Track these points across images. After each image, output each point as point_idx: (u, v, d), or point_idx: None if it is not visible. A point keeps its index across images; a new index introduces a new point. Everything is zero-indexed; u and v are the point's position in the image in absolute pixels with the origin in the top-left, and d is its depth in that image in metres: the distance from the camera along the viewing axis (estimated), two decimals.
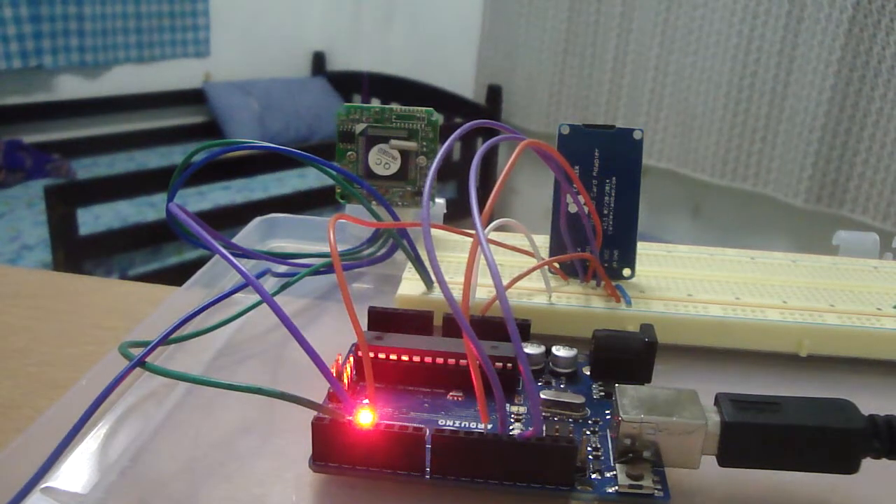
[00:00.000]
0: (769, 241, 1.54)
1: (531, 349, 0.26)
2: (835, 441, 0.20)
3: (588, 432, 0.23)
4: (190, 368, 0.27)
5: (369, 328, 0.27)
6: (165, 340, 0.24)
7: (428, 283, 0.31)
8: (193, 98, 2.06)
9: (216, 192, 1.67)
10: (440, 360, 0.24)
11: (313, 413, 0.21)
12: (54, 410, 0.23)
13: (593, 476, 0.21)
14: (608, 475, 0.21)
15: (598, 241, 0.30)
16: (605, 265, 0.31)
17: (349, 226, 0.35)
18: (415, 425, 0.21)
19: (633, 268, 0.31)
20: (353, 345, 0.26)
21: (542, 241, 0.31)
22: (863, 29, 1.31)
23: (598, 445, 0.22)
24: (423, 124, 0.33)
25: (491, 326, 0.26)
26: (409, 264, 0.31)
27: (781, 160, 1.45)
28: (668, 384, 0.22)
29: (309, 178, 1.79)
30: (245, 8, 2.14)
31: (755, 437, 0.20)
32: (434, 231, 0.32)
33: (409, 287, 0.31)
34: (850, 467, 0.21)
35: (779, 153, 1.45)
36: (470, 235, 0.30)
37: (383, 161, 0.33)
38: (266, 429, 0.24)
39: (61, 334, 0.34)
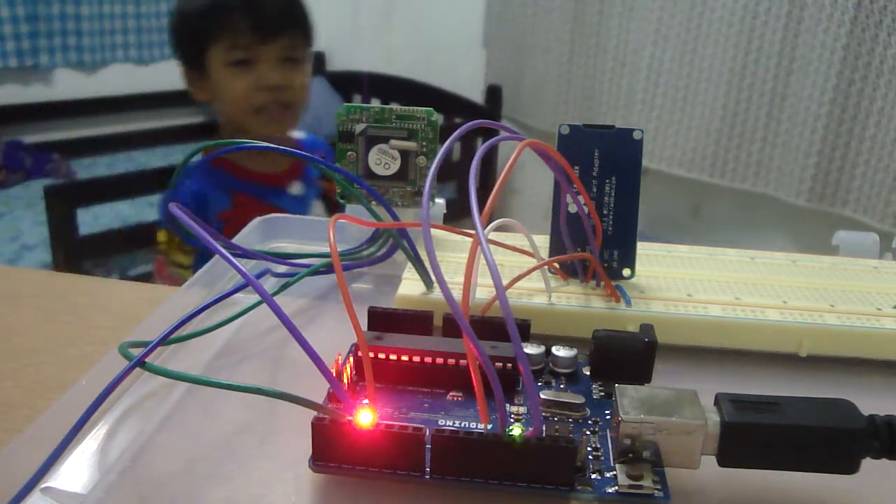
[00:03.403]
0: (769, 241, 1.54)
1: (531, 349, 0.26)
2: (835, 441, 0.20)
3: (588, 432, 0.23)
4: (190, 368, 0.27)
5: (369, 328, 0.27)
6: (165, 340, 0.24)
7: (428, 283, 0.31)
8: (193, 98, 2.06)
9: None
10: (440, 360, 0.24)
11: (313, 413, 0.21)
12: (54, 410, 0.23)
13: (593, 476, 0.21)
14: (608, 475, 0.21)
15: (598, 241, 0.30)
16: (605, 265, 0.31)
17: (349, 226, 0.35)
18: (415, 425, 0.21)
19: (633, 268, 0.31)
20: (353, 345, 0.26)
21: (542, 241, 0.31)
22: (864, 29, 1.31)
23: (598, 445, 0.22)
24: (423, 124, 0.33)
25: (491, 326, 0.26)
26: (409, 264, 0.31)
27: (783, 160, 1.45)
28: (668, 384, 0.22)
29: None
30: None
31: (755, 437, 0.20)
32: (434, 231, 0.32)
33: (409, 287, 0.31)
34: (850, 467, 0.21)
35: (779, 152, 1.45)
36: (470, 235, 0.30)
37: (383, 161, 0.33)
38: (266, 429, 0.24)
39: (61, 334, 0.34)
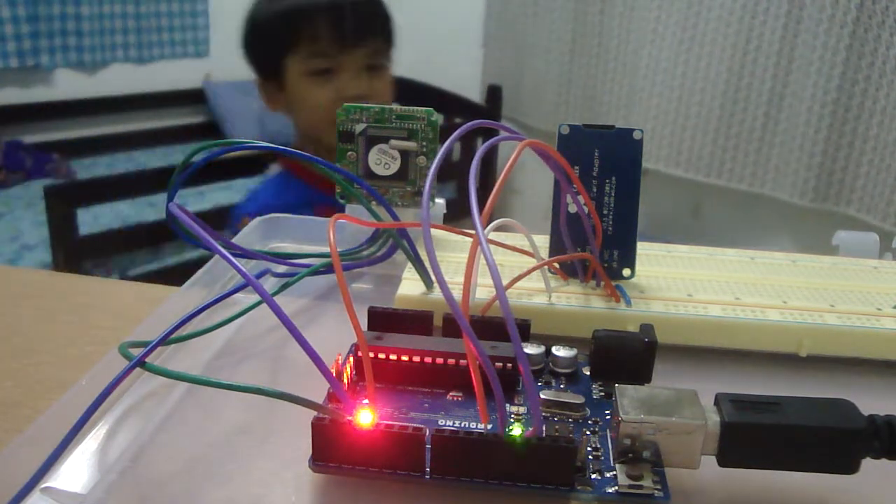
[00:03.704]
0: (769, 241, 1.54)
1: (531, 349, 0.26)
2: (835, 441, 0.20)
3: (588, 432, 0.23)
4: (190, 368, 0.27)
5: (369, 328, 0.27)
6: (165, 340, 0.24)
7: (428, 283, 0.31)
8: (193, 98, 2.06)
9: (216, 192, 1.67)
10: (440, 360, 0.24)
11: (313, 413, 0.21)
12: (54, 410, 0.23)
13: (593, 476, 0.21)
14: (608, 475, 0.21)
15: (598, 241, 0.30)
16: (605, 265, 0.31)
17: (349, 226, 0.35)
18: (415, 425, 0.21)
19: (633, 268, 0.31)
20: (353, 345, 0.26)
21: (542, 241, 0.31)
22: (867, 30, 1.31)
23: (598, 445, 0.22)
24: (423, 124, 0.33)
25: (491, 326, 0.26)
26: (409, 264, 0.31)
27: (785, 159, 1.45)
28: (668, 384, 0.22)
29: None
30: (245, 8, 2.13)
31: (755, 437, 0.20)
32: (434, 231, 0.32)
33: (409, 287, 0.31)
34: (849, 467, 0.21)
35: (777, 152, 1.45)
36: (470, 235, 0.30)
37: (383, 161, 0.33)
38: (266, 429, 0.24)
39: (61, 334, 0.34)
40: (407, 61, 2.05)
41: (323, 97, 0.79)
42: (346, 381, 0.24)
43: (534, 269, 0.29)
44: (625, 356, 0.25)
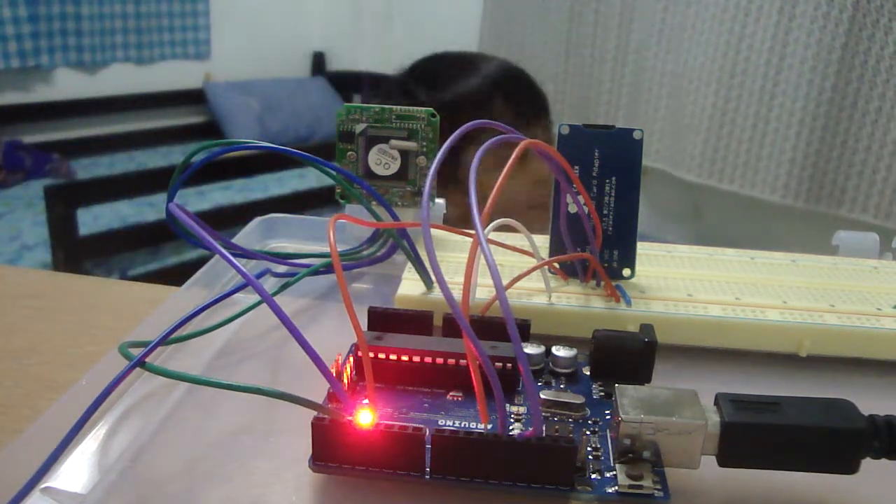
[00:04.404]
0: (769, 241, 1.54)
1: (531, 349, 0.26)
2: (835, 441, 0.20)
3: (588, 432, 0.23)
4: (190, 368, 0.27)
5: (369, 328, 0.27)
6: (165, 340, 0.24)
7: (428, 283, 0.31)
8: (193, 98, 2.06)
9: (216, 192, 1.67)
10: (440, 360, 0.24)
11: (313, 413, 0.21)
12: (54, 410, 0.23)
13: (593, 476, 0.21)
14: (608, 475, 0.21)
15: (598, 242, 0.30)
16: (605, 265, 0.31)
17: (349, 226, 0.35)
18: (415, 425, 0.21)
19: (633, 268, 0.31)
20: (353, 345, 0.26)
21: (542, 241, 0.31)
22: (862, 28, 1.31)
23: (598, 445, 0.22)
24: (423, 124, 0.33)
25: (491, 326, 0.26)
26: (409, 264, 0.31)
27: (777, 160, 1.45)
28: (668, 384, 0.22)
29: (309, 178, 1.79)
30: (245, 8, 2.14)
31: (755, 437, 0.20)
32: (434, 231, 0.32)
33: (409, 287, 0.31)
34: (850, 467, 0.21)
35: (767, 152, 1.45)
36: (470, 235, 0.30)
37: (383, 161, 0.33)
38: (266, 429, 0.24)
39: (61, 334, 0.34)
40: (406, 61, 2.05)
41: (518, 184, 0.75)
42: (346, 381, 0.24)
43: (534, 269, 0.29)
44: (625, 356, 0.25)
